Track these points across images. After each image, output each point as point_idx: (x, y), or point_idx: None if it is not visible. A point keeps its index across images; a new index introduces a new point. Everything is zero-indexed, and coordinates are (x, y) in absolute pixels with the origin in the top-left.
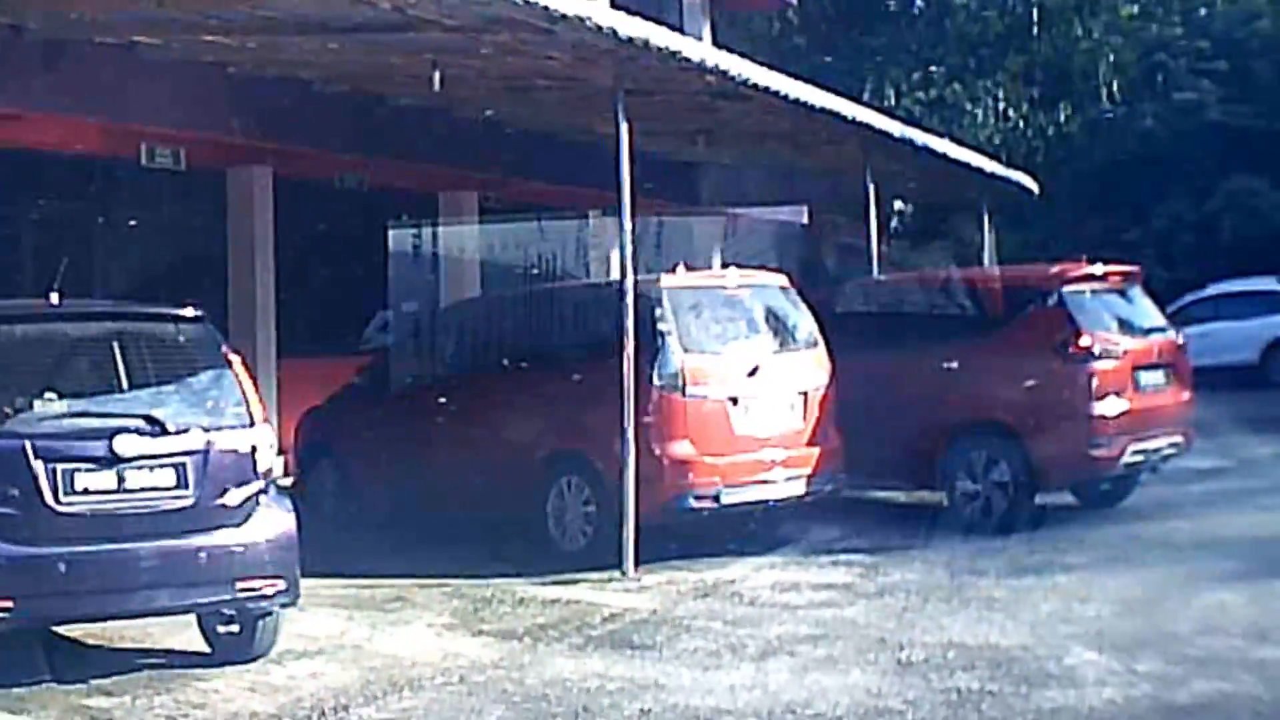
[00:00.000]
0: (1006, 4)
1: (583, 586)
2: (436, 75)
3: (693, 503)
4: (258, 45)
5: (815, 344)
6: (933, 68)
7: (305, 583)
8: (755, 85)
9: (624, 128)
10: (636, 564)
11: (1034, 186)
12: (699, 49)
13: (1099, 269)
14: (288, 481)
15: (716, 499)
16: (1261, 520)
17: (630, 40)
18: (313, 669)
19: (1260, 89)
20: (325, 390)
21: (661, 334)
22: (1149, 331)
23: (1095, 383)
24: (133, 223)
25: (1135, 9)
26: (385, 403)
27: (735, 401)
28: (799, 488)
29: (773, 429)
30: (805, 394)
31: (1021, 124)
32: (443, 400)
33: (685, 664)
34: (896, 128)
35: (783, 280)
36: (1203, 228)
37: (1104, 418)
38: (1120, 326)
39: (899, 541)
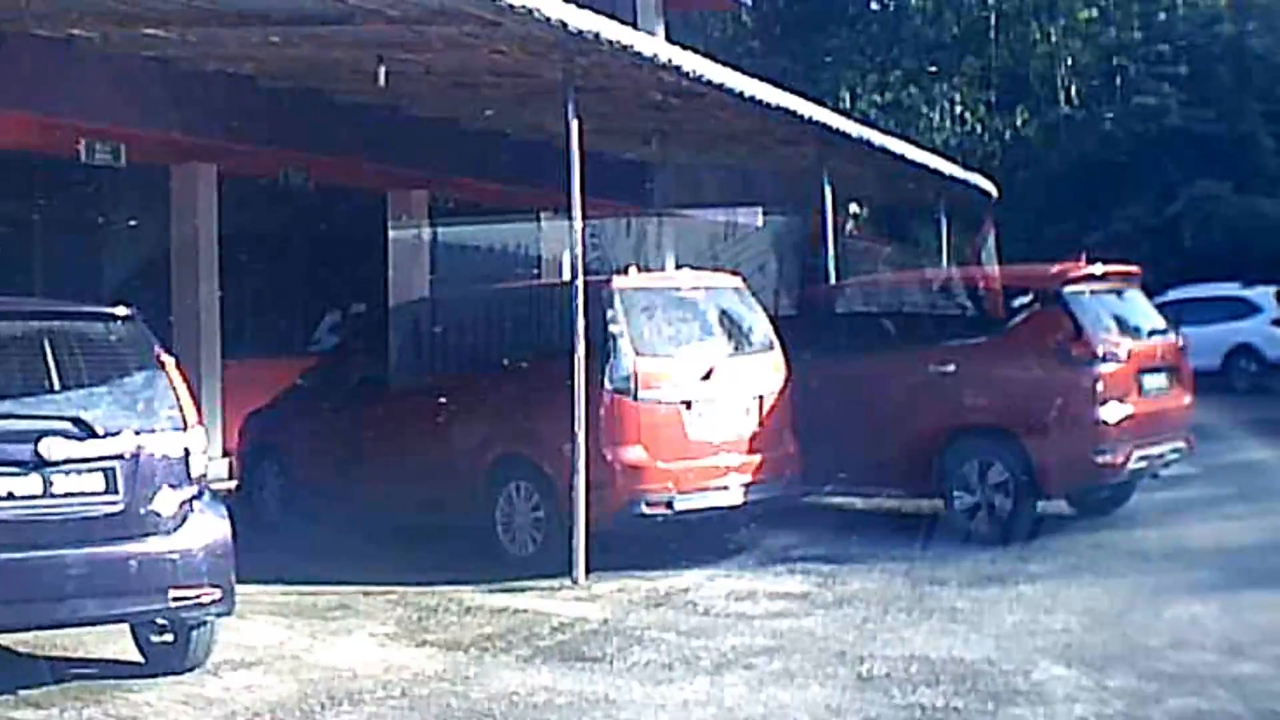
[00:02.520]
0: (963, 7)
1: (531, 595)
2: (382, 70)
3: (645, 509)
4: (198, 39)
5: (771, 347)
6: (889, 71)
7: (245, 589)
8: (709, 82)
9: (574, 125)
10: (587, 572)
11: (992, 189)
12: (651, 43)
13: (1099, 269)
14: (232, 484)
15: (669, 505)
16: (1229, 529)
17: (580, 33)
18: (249, 680)
19: (1222, 93)
20: (271, 392)
21: (613, 336)
22: (1150, 334)
23: (1100, 387)
24: (72, 221)
25: (1094, 12)
26: (330, 405)
27: (689, 405)
28: (755, 494)
29: (727, 433)
30: (761, 398)
31: (979, 127)
32: (389, 402)
33: (637, 677)
34: (853, 128)
35: (737, 282)
36: (1163, 232)
37: (1109, 423)
38: (1121, 328)
39: (857, 549)
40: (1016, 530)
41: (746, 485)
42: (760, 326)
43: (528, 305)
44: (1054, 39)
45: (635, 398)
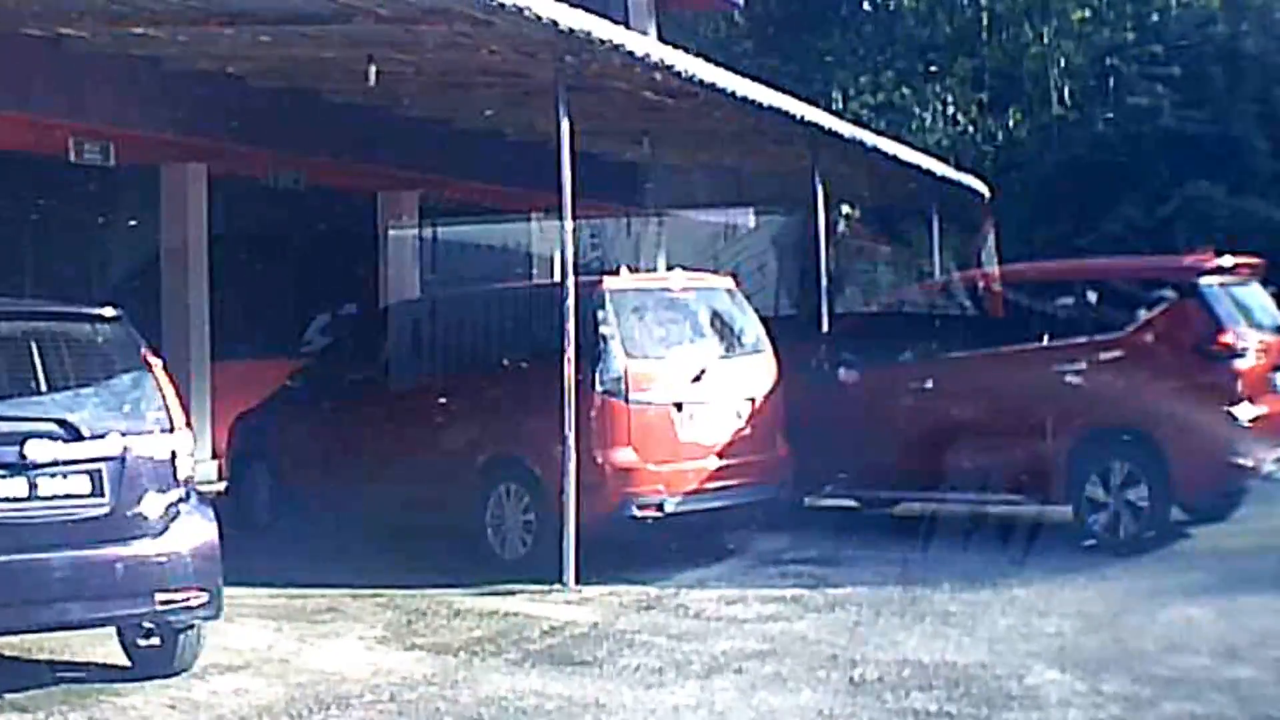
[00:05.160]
0: (955, 8)
1: (521, 598)
2: (372, 70)
3: (636, 511)
4: (189, 38)
5: (762, 348)
6: (881, 72)
7: (234, 592)
8: (701, 81)
9: (565, 125)
10: (577, 575)
11: (985, 190)
12: (643, 43)
13: (1229, 260)
14: (221, 486)
15: (660, 507)
16: (1223, 530)
17: (571, 33)
18: (237, 684)
19: (1215, 95)
20: (262, 393)
21: (604, 337)
22: (1276, 329)
23: (1239, 384)
24: (62, 221)
25: (1086, 13)
26: (320, 406)
27: (680, 407)
28: (746, 496)
29: (719, 435)
30: (752, 400)
31: (971, 128)
32: (379, 403)
33: (627, 682)
34: (846, 128)
35: (729, 283)
36: (1156, 234)
37: (1247, 423)
38: (1251, 323)
39: (849, 552)
40: (1150, 538)
41: (738, 487)
42: (752, 328)
43: (518, 306)
44: (1046, 40)
45: (626, 399)
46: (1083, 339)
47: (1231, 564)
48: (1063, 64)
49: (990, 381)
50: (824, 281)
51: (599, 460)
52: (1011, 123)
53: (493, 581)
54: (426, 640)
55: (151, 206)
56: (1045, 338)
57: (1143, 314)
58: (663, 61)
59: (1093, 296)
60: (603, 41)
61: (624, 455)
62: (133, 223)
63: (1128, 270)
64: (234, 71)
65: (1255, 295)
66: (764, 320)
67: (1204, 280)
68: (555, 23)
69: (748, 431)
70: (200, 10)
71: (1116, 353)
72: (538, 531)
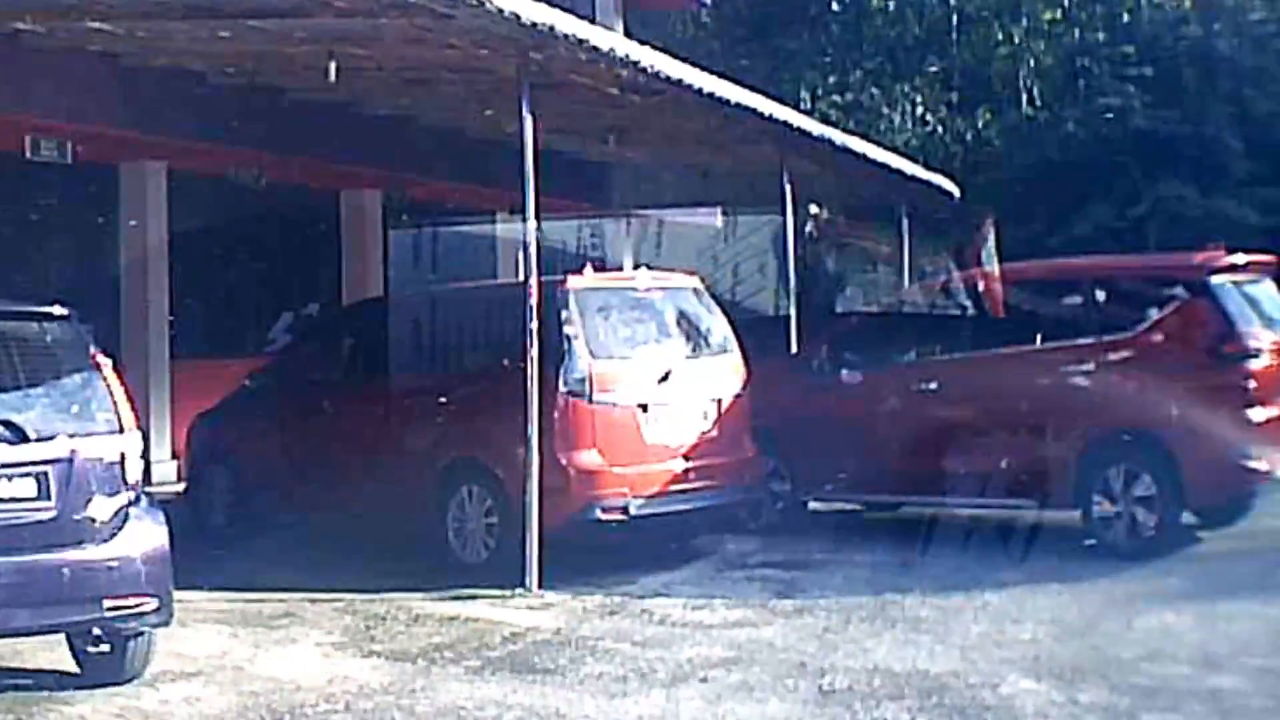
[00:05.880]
0: (925, 8)
1: (482, 603)
2: (333, 65)
3: (600, 514)
4: (145, 33)
5: (730, 348)
6: (850, 72)
7: (190, 596)
8: (667, 78)
9: (529, 121)
10: (540, 579)
11: (954, 190)
12: (608, 38)
13: (1241, 258)
14: (180, 488)
15: (625, 510)
16: (1206, 534)
17: (534, 26)
18: (188, 692)
19: (1187, 95)
20: (222, 393)
21: (568, 337)
22: None
23: (1252, 386)
24: (18, 218)
25: (1057, 13)
26: (279, 406)
27: (645, 408)
28: (713, 498)
29: (685, 437)
30: (719, 400)
31: (940, 129)
32: (339, 404)
33: (590, 691)
34: (815, 126)
35: (695, 282)
36: (1127, 235)
37: (1260, 425)
38: (1264, 322)
39: (818, 555)
40: (1161, 542)
41: (705, 490)
42: (719, 328)
43: (482, 306)
44: (1017, 40)
45: (590, 400)
46: (1090, 339)
47: (1207, 567)
48: (1033, 64)
49: (995, 383)
50: (793, 281)
51: (563, 462)
52: (981, 123)
53: (454, 586)
54: (384, 647)
55: (110, 204)
56: (1052, 338)
57: (1152, 313)
58: (628, 57)
59: (1100, 295)
60: (566, 36)
61: (588, 457)
62: (91, 221)
63: (1136, 268)
64: (193, 68)
65: (1268, 293)
66: (763, 320)
67: (1215, 278)
68: (518, 16)
69: (715, 433)
70: (156, 4)
71: (1125, 353)
72: (500, 535)
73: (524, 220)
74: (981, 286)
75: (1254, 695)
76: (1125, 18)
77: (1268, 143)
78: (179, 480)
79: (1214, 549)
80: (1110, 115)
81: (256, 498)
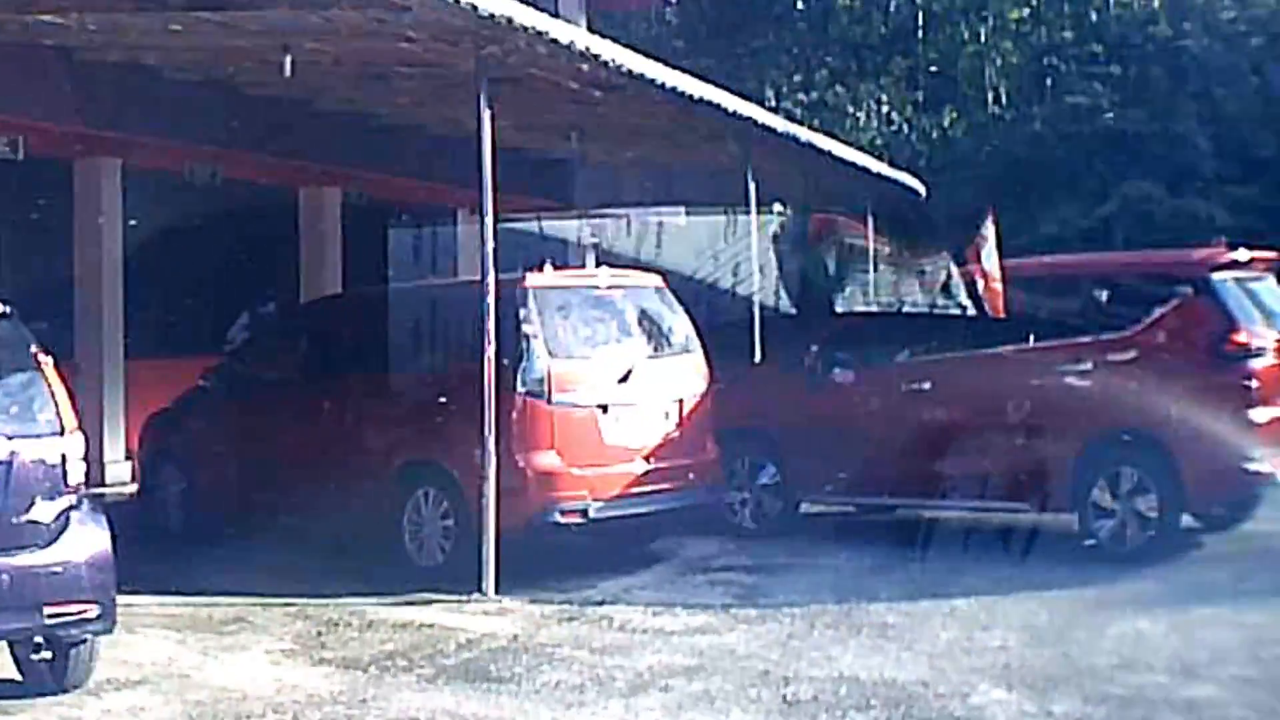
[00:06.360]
0: (891, 6)
1: (438, 608)
2: (288, 60)
3: (559, 517)
4: (97, 26)
5: (692, 348)
6: (815, 71)
7: (139, 601)
8: (629, 72)
9: (486, 116)
10: (497, 584)
11: (920, 188)
12: (568, 30)
13: (1243, 254)
14: (134, 488)
15: (585, 513)
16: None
17: (492, 18)
18: (132, 702)
19: (1156, 94)
20: (178, 392)
21: (526, 337)
22: None
23: (1254, 386)
24: None
25: (1024, 12)
26: (233, 406)
27: (605, 409)
28: (674, 501)
29: (646, 439)
30: (681, 401)
31: (905, 127)
32: (294, 404)
33: (546, 700)
34: (779, 122)
35: (657, 281)
36: (1095, 234)
37: (1263, 427)
38: (1267, 321)
39: (782, 558)
40: (1160, 547)
41: (666, 492)
42: (681, 327)
43: (439, 304)
44: (983, 39)
45: (549, 401)
46: (1088, 338)
47: (1180, 571)
48: (999, 63)
49: (991, 383)
50: (758, 280)
51: (520, 464)
52: (947, 121)
53: (409, 590)
54: (336, 654)
55: (64, 201)
56: (1048, 336)
57: (1152, 311)
58: (588, 50)
59: (1099, 293)
60: (525, 28)
61: (546, 459)
62: (43, 217)
63: (1136, 265)
64: (148, 63)
65: (1271, 291)
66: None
67: (1216, 275)
68: (474, 8)
69: (676, 434)
70: None
71: (1124, 352)
72: (457, 538)
73: (481, 218)
74: (981, 286)
75: (1233, 705)
76: (1093, 17)
77: (1237, 142)
78: (133, 481)
79: (1205, 553)
80: (1078, 114)
81: (210, 499)
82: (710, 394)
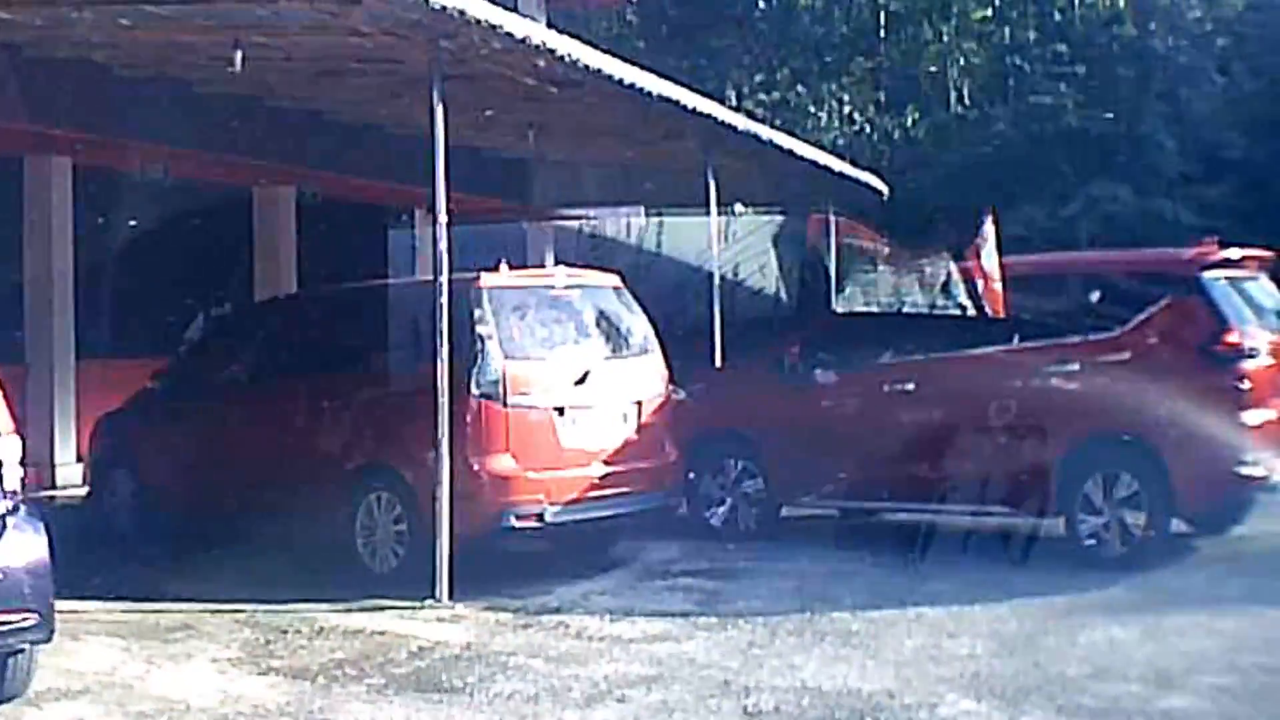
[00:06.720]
0: (853, 6)
1: (390, 615)
2: (238, 55)
3: (514, 522)
4: (44, 21)
5: (650, 349)
6: (776, 71)
7: (86, 606)
8: (586, 68)
9: (440, 112)
10: (451, 590)
11: (883, 188)
12: (523, 25)
13: (1236, 253)
14: (84, 492)
15: (541, 518)
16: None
17: (444, 10)
18: (72, 713)
19: (1121, 94)
20: (131, 393)
21: (481, 338)
22: None
23: (1246, 387)
24: None
25: (988, 12)
26: (184, 408)
27: (562, 412)
28: (633, 505)
29: (603, 441)
30: (639, 404)
31: (868, 127)
32: (245, 405)
33: (498, 711)
34: (741, 120)
35: (615, 281)
36: (1059, 234)
37: (1255, 429)
38: (1261, 321)
39: (743, 563)
40: (1148, 553)
41: (624, 496)
42: (640, 328)
43: (393, 304)
44: (946, 39)
45: (504, 403)
46: (1076, 338)
47: (1152, 577)
48: (962, 63)
49: (976, 384)
50: (717, 281)
51: (475, 468)
52: (910, 122)
53: (361, 596)
54: (284, 663)
55: (13, 200)
56: (1035, 337)
57: (1141, 311)
58: (544, 45)
59: (1087, 292)
60: (479, 21)
61: (501, 462)
62: None
63: (1125, 264)
64: (97, 59)
65: (1264, 290)
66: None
67: (1207, 274)
68: (427, 0)
69: (635, 437)
70: None
71: (1113, 353)
72: (410, 543)
73: (434, 216)
74: (981, 286)
75: (1210, 717)
76: (1057, 17)
77: (1203, 142)
78: (84, 484)
79: (1188, 558)
80: (1042, 114)
81: (161, 502)
82: (670, 395)
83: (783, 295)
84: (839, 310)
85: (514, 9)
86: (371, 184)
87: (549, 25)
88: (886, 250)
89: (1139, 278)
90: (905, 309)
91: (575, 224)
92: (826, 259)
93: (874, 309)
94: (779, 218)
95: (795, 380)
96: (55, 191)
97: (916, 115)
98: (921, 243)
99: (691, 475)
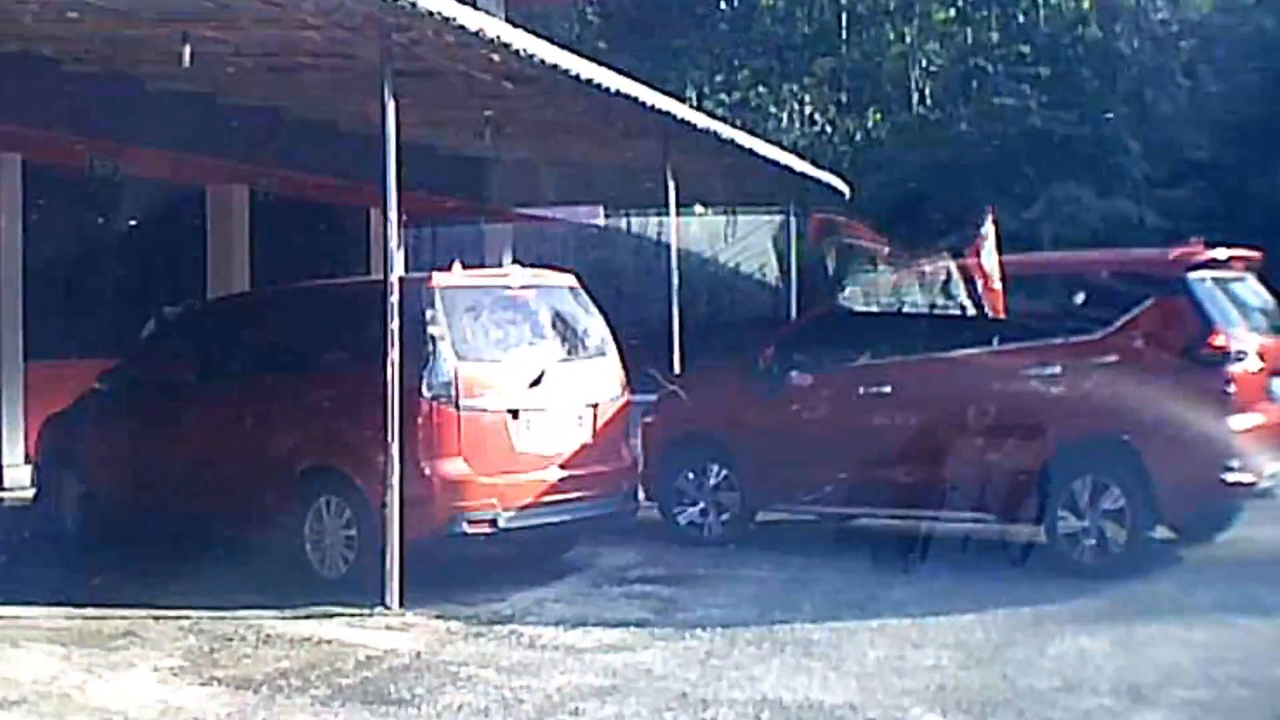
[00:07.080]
0: (814, 7)
1: (338, 622)
2: (186, 49)
3: (466, 527)
4: None
5: (607, 351)
6: (737, 71)
7: (27, 612)
8: (543, 62)
9: (391, 108)
10: (402, 597)
11: (844, 188)
12: (477, 18)
13: (1223, 253)
14: (30, 494)
15: (494, 523)
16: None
17: (395, 1)
18: None
19: (1085, 95)
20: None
21: (432, 338)
22: (1275, 329)
23: (1233, 391)
24: None
25: (951, 13)
26: (130, 409)
27: (516, 414)
28: (588, 510)
29: (558, 445)
30: (595, 406)
31: (829, 128)
32: (192, 407)
33: None
34: (701, 119)
35: (571, 281)
36: (1022, 236)
37: (1242, 433)
38: (1248, 323)
39: (702, 569)
40: (1130, 559)
41: (579, 500)
42: (596, 330)
43: (343, 304)
44: (908, 39)
45: (456, 406)
46: (1058, 340)
47: (1121, 585)
48: (924, 64)
49: (954, 387)
50: (676, 282)
51: (426, 472)
52: (871, 123)
53: (309, 603)
54: (227, 672)
55: None
56: (1015, 338)
57: (1125, 313)
58: (499, 39)
59: (1068, 293)
60: (431, 14)
61: (453, 466)
62: None
63: (1108, 264)
64: (45, 53)
65: (1251, 291)
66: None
67: (1193, 275)
68: None
69: (590, 440)
70: None
71: (1095, 355)
72: (360, 548)
73: (385, 215)
74: (981, 286)
75: None
76: (1021, 18)
77: (1167, 144)
78: (32, 486)
79: (1166, 566)
80: (1005, 115)
81: (108, 505)
82: (626, 398)
83: (782, 295)
84: (816, 310)
85: (470, 3)
86: (326, 182)
87: (507, 22)
88: (886, 250)
89: (1122, 278)
90: (905, 309)
91: (580, 221)
92: (827, 259)
93: (860, 309)
94: (778, 218)
95: (769, 382)
96: (4, 188)
97: (878, 116)
98: (922, 242)
99: (663, 478)
